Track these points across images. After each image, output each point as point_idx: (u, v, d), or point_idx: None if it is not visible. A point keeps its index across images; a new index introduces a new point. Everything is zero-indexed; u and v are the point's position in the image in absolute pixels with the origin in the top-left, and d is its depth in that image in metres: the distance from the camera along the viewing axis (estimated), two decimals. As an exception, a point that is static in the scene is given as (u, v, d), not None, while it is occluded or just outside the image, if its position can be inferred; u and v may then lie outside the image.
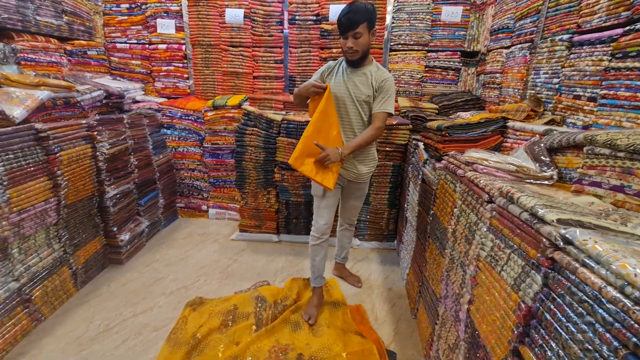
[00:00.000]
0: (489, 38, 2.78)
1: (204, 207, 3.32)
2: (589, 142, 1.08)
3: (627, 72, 1.31)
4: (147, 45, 3.27)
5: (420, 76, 3.13)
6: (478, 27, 2.98)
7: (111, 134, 2.29)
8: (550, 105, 1.80)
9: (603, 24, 1.47)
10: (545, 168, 1.26)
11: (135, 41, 3.27)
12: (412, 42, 3.06)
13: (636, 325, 0.53)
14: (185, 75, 3.32)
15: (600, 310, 0.60)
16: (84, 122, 2.12)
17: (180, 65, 3.29)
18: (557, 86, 1.76)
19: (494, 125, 1.75)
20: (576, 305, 0.67)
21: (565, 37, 1.70)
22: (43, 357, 1.68)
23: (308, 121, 1.77)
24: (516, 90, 2.19)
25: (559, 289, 0.72)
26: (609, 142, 0.99)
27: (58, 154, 1.89)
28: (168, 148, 3.17)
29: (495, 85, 2.56)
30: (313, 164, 1.67)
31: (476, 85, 3.03)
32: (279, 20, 3.08)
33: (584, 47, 1.56)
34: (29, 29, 2.48)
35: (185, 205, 3.35)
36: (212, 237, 2.96)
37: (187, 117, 3.12)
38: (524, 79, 2.09)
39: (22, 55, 2.39)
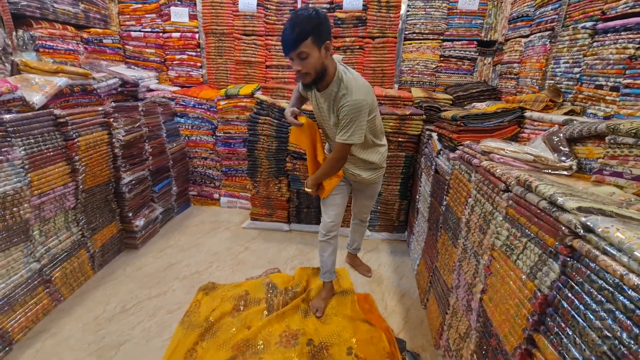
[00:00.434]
0: (507, 27, 2.70)
1: (216, 196, 3.36)
2: (612, 131, 1.05)
3: (654, 60, 1.26)
4: (161, 34, 3.29)
5: (434, 66, 3.08)
6: (496, 16, 2.90)
7: (126, 121, 2.33)
8: (570, 95, 1.75)
9: (630, 10, 1.42)
10: (564, 158, 1.23)
11: (149, 29, 3.29)
12: (427, 31, 3.01)
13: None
14: (199, 64, 3.34)
15: (622, 297, 0.60)
16: (100, 109, 2.15)
17: (194, 53, 3.30)
18: (577, 76, 1.71)
19: (510, 116, 1.71)
20: (595, 292, 0.66)
21: (589, 24, 1.64)
22: (63, 335, 1.74)
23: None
24: (534, 80, 2.13)
25: (578, 277, 0.71)
26: (633, 131, 0.97)
27: (76, 140, 1.93)
28: (181, 136, 3.20)
29: (513, 76, 2.50)
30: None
31: (492, 75, 2.97)
32: (292, 8, 3.05)
33: (608, 35, 1.51)
34: (47, 17, 2.51)
35: (198, 193, 3.40)
36: (224, 225, 3.00)
37: (200, 106, 3.14)
38: (543, 68, 2.03)
39: (40, 42, 2.44)
